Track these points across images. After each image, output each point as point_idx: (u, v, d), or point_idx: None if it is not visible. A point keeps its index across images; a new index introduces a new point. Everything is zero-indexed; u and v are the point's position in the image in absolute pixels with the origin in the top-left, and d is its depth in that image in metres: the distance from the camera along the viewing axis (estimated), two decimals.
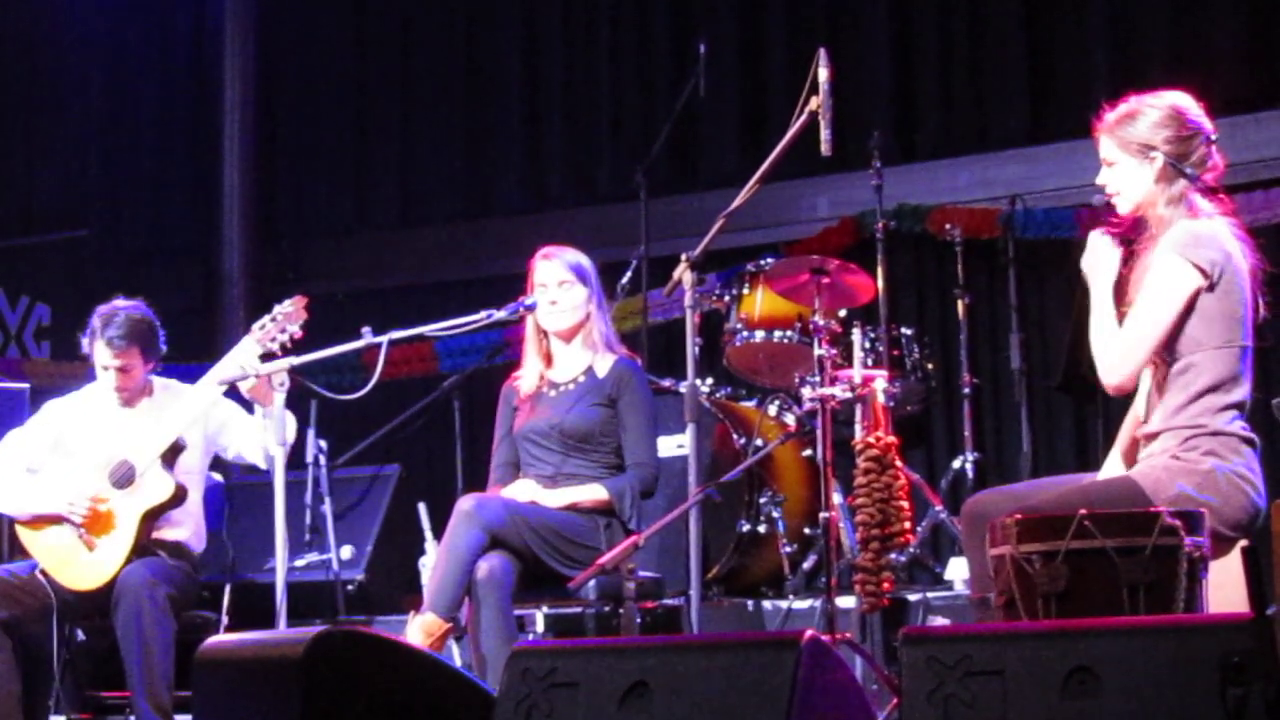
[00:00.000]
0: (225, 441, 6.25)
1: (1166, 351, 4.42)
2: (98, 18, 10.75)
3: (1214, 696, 3.21)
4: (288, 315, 5.80)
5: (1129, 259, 4.59)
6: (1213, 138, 4.53)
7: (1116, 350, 4.41)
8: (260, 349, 5.74)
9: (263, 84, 10.50)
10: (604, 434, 5.87)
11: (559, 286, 5.93)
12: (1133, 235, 4.60)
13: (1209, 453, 4.36)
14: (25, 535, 6.07)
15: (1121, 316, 4.53)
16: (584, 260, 5.99)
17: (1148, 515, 3.98)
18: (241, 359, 5.77)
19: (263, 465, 5.67)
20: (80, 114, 10.92)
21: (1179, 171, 4.47)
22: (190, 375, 6.63)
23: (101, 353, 6.13)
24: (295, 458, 6.18)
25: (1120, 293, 4.58)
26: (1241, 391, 4.43)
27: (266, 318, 5.81)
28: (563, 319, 5.94)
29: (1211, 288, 4.37)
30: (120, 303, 6.24)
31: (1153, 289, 4.39)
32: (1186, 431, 4.38)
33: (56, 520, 5.98)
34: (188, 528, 6.16)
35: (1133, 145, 4.52)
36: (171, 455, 6.00)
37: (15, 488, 6.09)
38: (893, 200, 8.12)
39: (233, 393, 6.03)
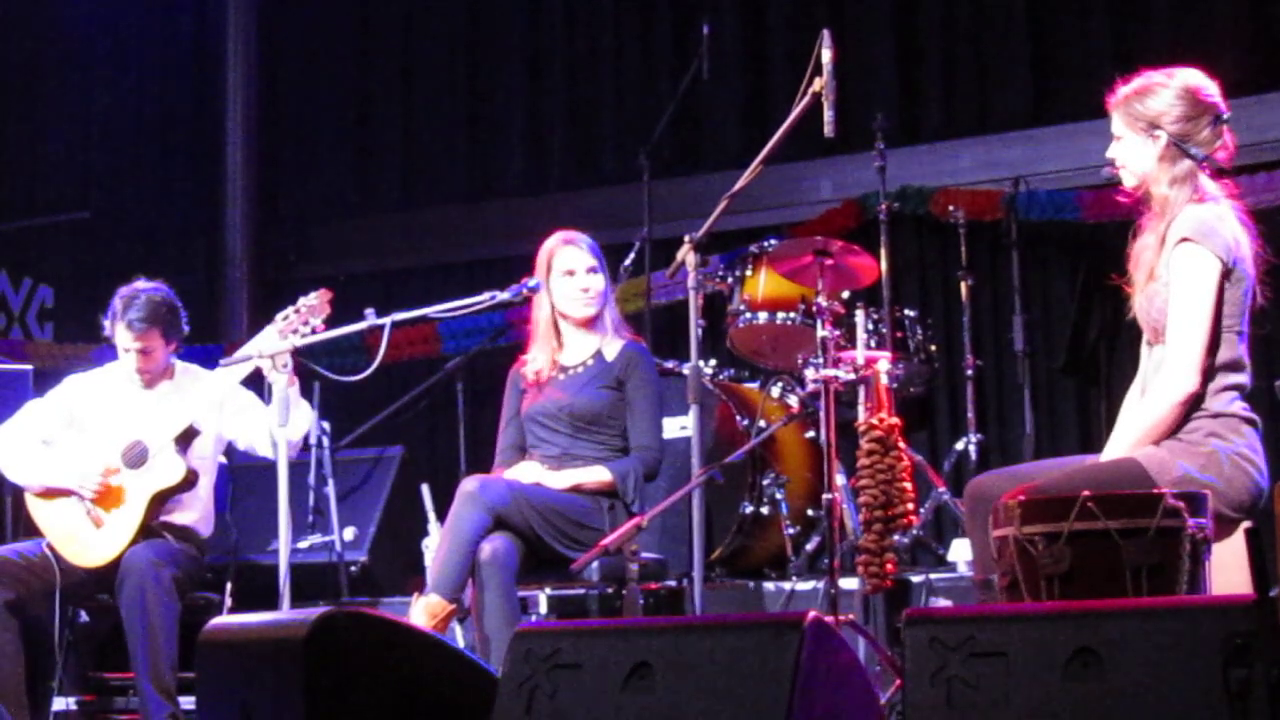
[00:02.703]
0: (236, 433, 6.24)
1: (1169, 333, 4.42)
2: (101, 1, 10.74)
3: (1217, 678, 3.21)
4: (312, 308, 5.79)
5: (1135, 234, 4.60)
6: (1224, 117, 4.53)
7: (1178, 361, 4.38)
8: (282, 339, 5.73)
9: (265, 66, 10.50)
10: (612, 416, 5.88)
11: (588, 273, 5.93)
12: (1140, 210, 4.61)
13: (1210, 434, 4.36)
14: (35, 507, 6.10)
15: (1122, 289, 4.55)
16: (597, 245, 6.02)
17: (1151, 497, 3.98)
18: (260, 347, 5.75)
19: (272, 456, 5.67)
20: (83, 96, 10.91)
21: (1183, 151, 4.47)
22: (194, 356, 6.63)
23: (122, 335, 6.14)
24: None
25: (1124, 268, 4.60)
26: (1241, 374, 4.43)
27: (290, 309, 5.79)
28: (592, 305, 5.94)
29: (1228, 274, 4.37)
30: (141, 284, 6.24)
31: (1186, 287, 4.37)
32: (1190, 410, 4.38)
33: (67, 494, 6.01)
34: (196, 512, 6.17)
35: (1139, 122, 4.52)
36: (185, 439, 6.02)
37: (29, 458, 6.12)
38: (896, 182, 8.11)
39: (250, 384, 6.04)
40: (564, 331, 6.03)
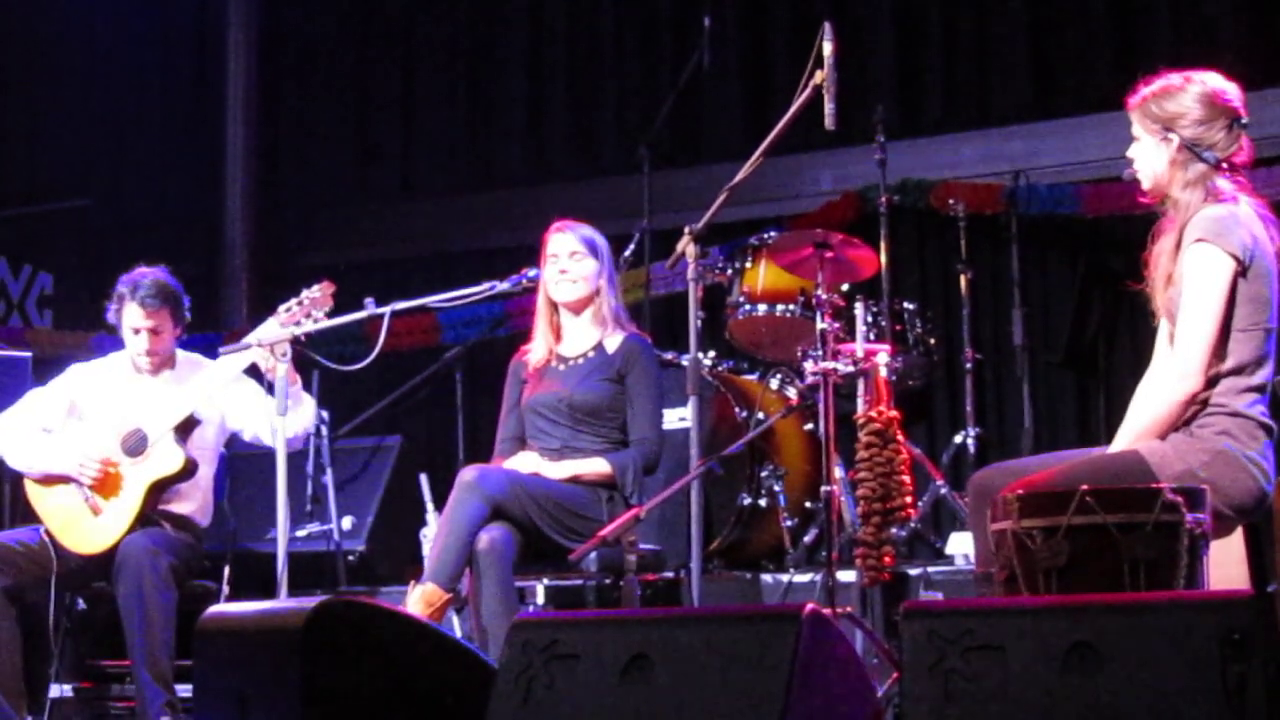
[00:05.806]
0: (240, 423, 6.24)
1: (1176, 332, 4.41)
2: None
3: (1214, 673, 3.21)
4: (314, 300, 5.78)
5: (1154, 237, 4.59)
6: (1243, 121, 4.51)
7: (1180, 361, 4.37)
8: (284, 331, 5.72)
9: (266, 53, 10.49)
10: (611, 409, 5.88)
11: (569, 257, 5.94)
12: (1160, 213, 4.59)
13: (1224, 432, 4.33)
14: (33, 493, 6.10)
15: (1142, 291, 4.54)
16: (597, 236, 6.02)
17: (1149, 491, 3.98)
18: (261, 337, 5.74)
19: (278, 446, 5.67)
20: (84, 82, 10.91)
21: (1196, 155, 4.45)
22: (194, 345, 6.62)
23: (133, 314, 6.12)
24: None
25: (1141, 273, 4.59)
26: (1264, 374, 4.41)
27: (293, 300, 5.78)
28: (571, 290, 5.94)
29: (1244, 272, 4.35)
30: (145, 268, 6.24)
31: (1194, 286, 4.35)
32: (1205, 408, 4.37)
33: (65, 481, 6.01)
34: (195, 502, 6.17)
35: (1154, 124, 4.50)
36: (185, 428, 6.01)
37: (28, 445, 6.12)
38: (896, 175, 8.10)
39: (253, 374, 6.03)
40: (563, 322, 6.04)
